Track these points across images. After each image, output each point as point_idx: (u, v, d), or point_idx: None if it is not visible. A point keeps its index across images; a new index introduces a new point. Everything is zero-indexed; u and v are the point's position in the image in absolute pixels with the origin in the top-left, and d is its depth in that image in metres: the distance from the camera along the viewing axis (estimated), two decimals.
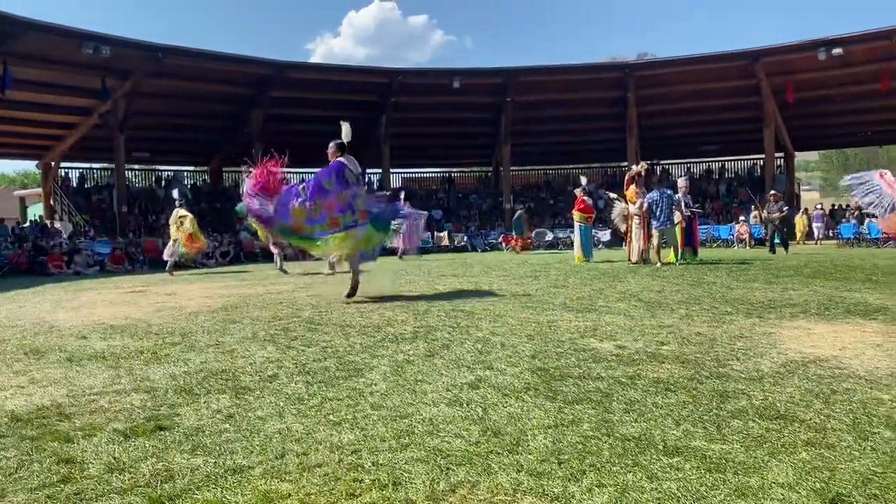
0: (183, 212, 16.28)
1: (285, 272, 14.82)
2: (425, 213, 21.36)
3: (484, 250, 27.68)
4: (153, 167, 33.20)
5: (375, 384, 4.19)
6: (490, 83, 31.11)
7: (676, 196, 14.59)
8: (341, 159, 8.71)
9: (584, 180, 18.41)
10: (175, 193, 18.24)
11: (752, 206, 25.27)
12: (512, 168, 33.38)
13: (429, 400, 3.81)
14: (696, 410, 3.47)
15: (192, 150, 32.12)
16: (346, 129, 8.92)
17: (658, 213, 13.81)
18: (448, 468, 2.78)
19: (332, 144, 8.89)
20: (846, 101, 29.00)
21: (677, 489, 2.51)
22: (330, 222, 8.61)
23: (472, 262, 17.46)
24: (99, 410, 3.79)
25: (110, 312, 8.29)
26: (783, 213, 18.57)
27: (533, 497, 2.50)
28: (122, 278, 16.05)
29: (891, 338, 5.23)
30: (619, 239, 23.11)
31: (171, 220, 16.43)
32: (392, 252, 18.34)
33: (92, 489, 2.69)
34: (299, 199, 8.62)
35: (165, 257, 16.25)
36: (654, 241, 13.94)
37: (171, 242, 16.16)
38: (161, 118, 28.26)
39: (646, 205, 14.05)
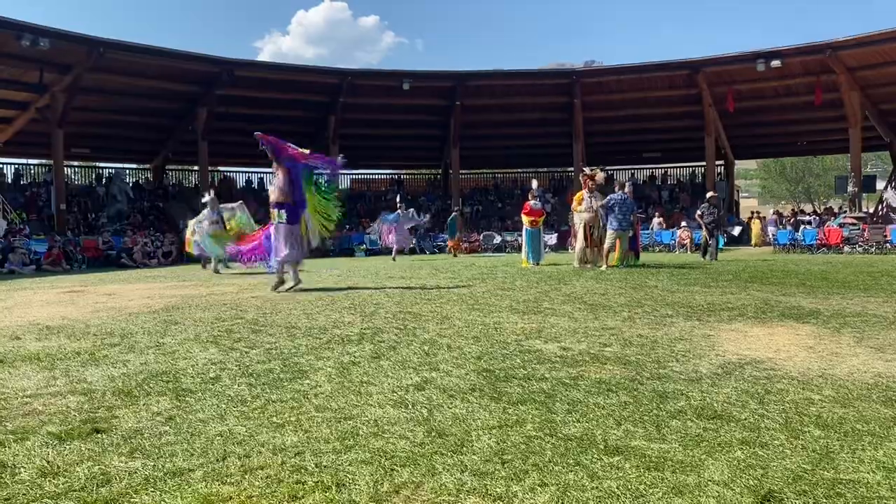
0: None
1: (218, 272, 15.01)
2: (418, 219, 22.89)
3: (432, 252, 27.74)
4: (93, 164, 32.29)
5: (320, 386, 4.16)
6: (440, 86, 31.20)
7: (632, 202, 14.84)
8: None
9: (535, 184, 18.63)
10: (205, 198, 18.72)
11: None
12: (461, 171, 33.54)
13: (374, 401, 3.80)
14: (636, 410, 3.54)
15: (134, 148, 31.33)
16: None
17: (620, 216, 14.06)
18: (392, 469, 2.78)
19: None
20: (783, 111, 29.97)
21: (617, 488, 2.56)
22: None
23: (419, 264, 17.47)
24: (32, 413, 3.67)
25: (46, 312, 8.03)
26: (714, 217, 17.80)
27: (476, 497, 2.51)
28: (59, 278, 15.57)
29: (822, 340, 5.42)
30: (565, 243, 23.48)
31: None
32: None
33: (24, 494, 2.61)
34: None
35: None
36: (607, 243, 14.10)
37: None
38: (102, 114, 27.53)
39: (611, 203, 14.25)
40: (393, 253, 22.04)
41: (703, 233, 17.89)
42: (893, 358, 4.73)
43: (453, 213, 25.34)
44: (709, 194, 19.18)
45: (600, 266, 13.88)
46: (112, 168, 31.79)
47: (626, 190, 15.61)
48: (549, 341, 5.52)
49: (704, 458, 2.85)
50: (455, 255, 23.25)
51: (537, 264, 15.85)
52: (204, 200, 15.87)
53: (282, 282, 10.08)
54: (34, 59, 22.44)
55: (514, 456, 2.90)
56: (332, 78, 30.24)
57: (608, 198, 14.41)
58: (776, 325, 6.20)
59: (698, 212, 18.42)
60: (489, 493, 2.54)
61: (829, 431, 3.16)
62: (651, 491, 2.53)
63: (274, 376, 4.44)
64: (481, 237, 28.93)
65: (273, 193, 10.11)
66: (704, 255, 17.37)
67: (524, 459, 2.86)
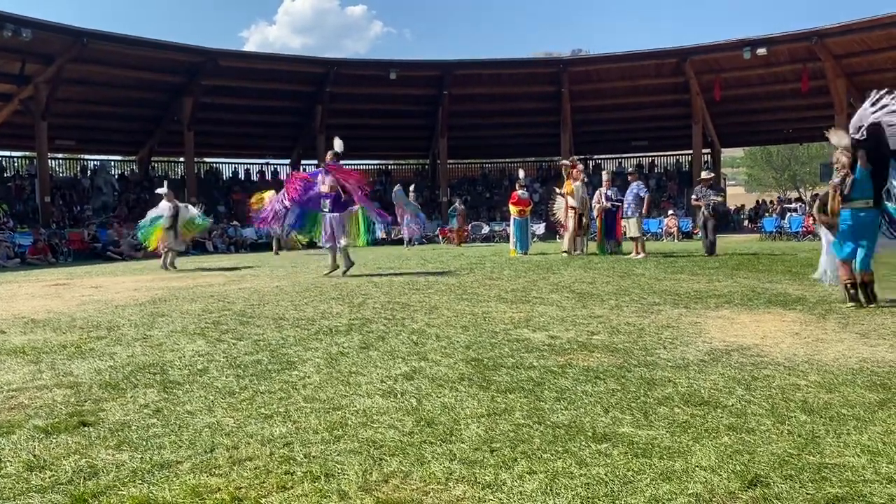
0: None
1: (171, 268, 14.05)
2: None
3: (421, 243, 27.68)
4: (78, 156, 31.96)
5: (309, 377, 4.16)
6: (427, 76, 31.08)
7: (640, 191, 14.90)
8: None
9: (521, 173, 18.61)
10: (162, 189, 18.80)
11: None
12: (449, 161, 33.46)
13: (363, 392, 3.80)
14: (624, 398, 3.56)
15: (119, 139, 31.04)
16: (338, 143, 10.93)
17: (627, 205, 14.46)
18: (381, 459, 2.78)
19: (330, 153, 10.87)
20: (769, 99, 30.05)
21: (605, 474, 2.57)
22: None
23: (408, 255, 17.45)
24: (18, 407, 3.65)
25: (31, 306, 7.97)
26: (716, 200, 14.87)
27: (465, 485, 2.52)
28: (44, 271, 15.45)
29: (808, 327, 5.46)
30: (553, 232, 23.51)
31: None
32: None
33: (10, 488, 2.59)
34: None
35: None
36: (633, 231, 14.35)
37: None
38: (86, 105, 27.24)
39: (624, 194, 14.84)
40: (405, 243, 22.02)
41: (704, 213, 14.56)
42: (878, 343, 4.77)
43: (454, 204, 25.38)
44: (703, 173, 16.59)
45: (639, 255, 13.84)
46: (97, 160, 31.49)
47: (605, 179, 15.91)
48: (538, 330, 5.53)
49: (692, 444, 2.87)
50: (459, 245, 23.25)
51: (525, 253, 15.87)
52: (160, 192, 14.80)
53: (336, 266, 10.87)
54: (16, 50, 22.16)
55: (503, 444, 2.91)
56: (318, 67, 30.06)
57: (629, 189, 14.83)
58: (763, 312, 6.24)
59: (693, 196, 15.62)
60: (478, 481, 2.55)
61: (815, 416, 3.19)
62: (639, 477, 2.55)
63: (262, 367, 4.43)
64: (469, 227, 28.90)
65: (323, 185, 10.74)
66: (713, 249, 14.21)
67: (513, 447, 2.87)
